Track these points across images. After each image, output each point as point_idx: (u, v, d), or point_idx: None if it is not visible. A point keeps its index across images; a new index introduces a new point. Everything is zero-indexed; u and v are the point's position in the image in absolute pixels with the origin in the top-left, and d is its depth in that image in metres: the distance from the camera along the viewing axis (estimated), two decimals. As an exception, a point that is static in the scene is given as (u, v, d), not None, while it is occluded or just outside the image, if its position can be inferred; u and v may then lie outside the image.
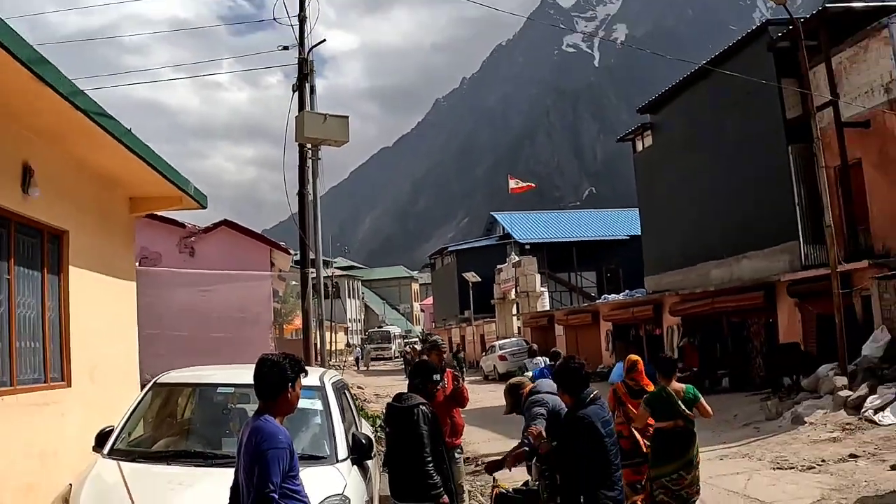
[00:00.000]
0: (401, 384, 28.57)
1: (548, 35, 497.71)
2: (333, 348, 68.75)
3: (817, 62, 28.03)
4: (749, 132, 32.72)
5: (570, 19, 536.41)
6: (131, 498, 6.87)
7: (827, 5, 30.06)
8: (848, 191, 28.28)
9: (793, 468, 16.20)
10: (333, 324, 62.03)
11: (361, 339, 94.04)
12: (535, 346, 28.77)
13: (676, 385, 9.23)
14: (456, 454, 11.34)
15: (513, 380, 9.55)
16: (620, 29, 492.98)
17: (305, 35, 20.08)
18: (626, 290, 51.14)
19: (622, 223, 64.76)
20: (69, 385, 10.00)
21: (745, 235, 33.07)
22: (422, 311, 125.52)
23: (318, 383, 8.85)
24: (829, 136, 27.52)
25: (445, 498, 8.32)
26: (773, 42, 31.20)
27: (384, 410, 11.49)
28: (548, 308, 58.27)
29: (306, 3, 20.19)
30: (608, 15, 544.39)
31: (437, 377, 9.87)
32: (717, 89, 33.91)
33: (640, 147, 44.08)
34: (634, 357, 11.69)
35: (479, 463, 16.16)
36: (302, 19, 20.04)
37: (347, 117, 18.90)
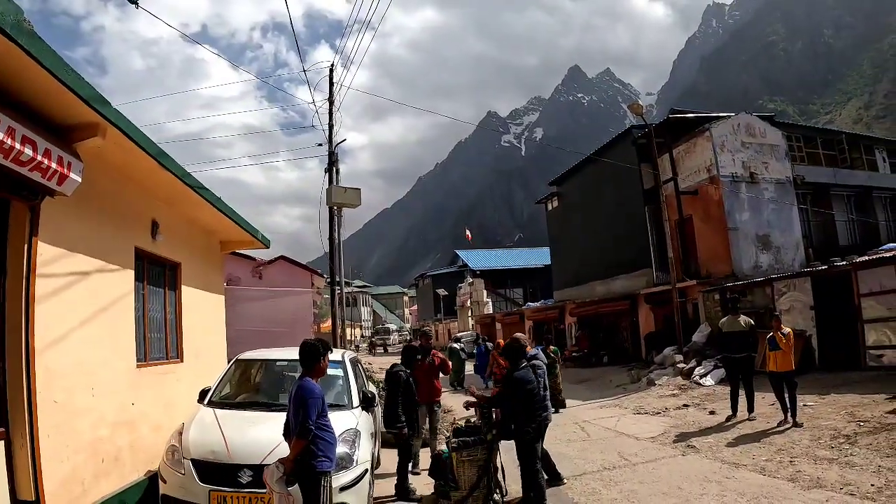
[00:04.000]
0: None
1: (491, 135, 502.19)
2: (353, 339, 69.99)
3: (664, 152, 28.29)
4: (620, 197, 32.96)
5: (505, 124, 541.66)
6: (222, 430, 7.33)
7: (670, 116, 30.48)
8: (683, 235, 28.48)
9: (647, 413, 16.35)
10: (353, 323, 63.29)
11: (371, 332, 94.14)
12: (484, 337, 30.12)
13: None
14: (435, 407, 11.65)
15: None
16: (538, 131, 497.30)
17: (334, 135, 20.43)
18: (542, 300, 51.48)
19: (539, 257, 65.26)
20: (182, 361, 10.32)
21: (618, 264, 33.28)
22: (410, 314, 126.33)
23: (340, 359, 9.36)
24: (671, 200, 27.54)
25: (405, 430, 9.49)
26: (635, 139, 31.64)
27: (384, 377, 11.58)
28: (491, 312, 58.69)
29: (334, 115, 20.49)
30: (531, 122, 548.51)
31: (418, 356, 10.72)
32: (600, 170, 34.02)
33: (550, 207, 44.20)
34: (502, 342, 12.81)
35: (447, 411, 16.21)
36: (331, 126, 20.41)
37: (360, 189, 19.16)
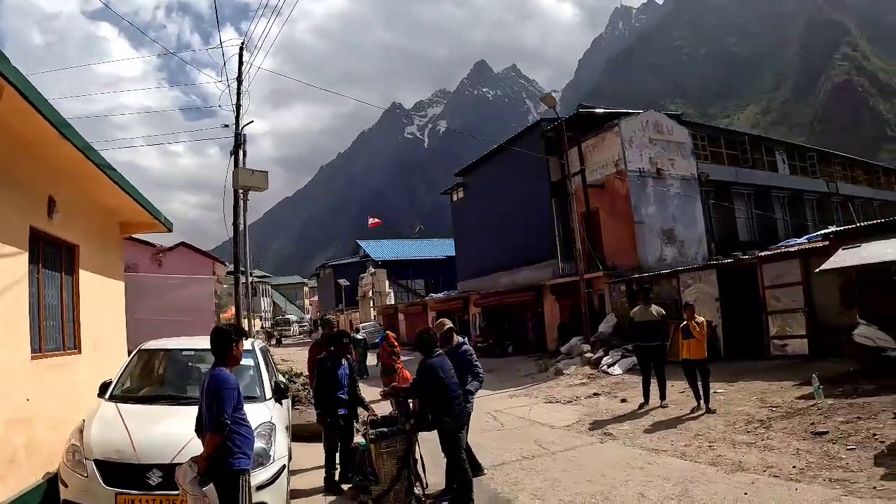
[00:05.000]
0: (299, 353, 28.18)
1: (395, 126, 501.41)
2: (254, 330, 68.50)
3: (573, 145, 28.43)
4: (527, 189, 33.22)
5: (409, 116, 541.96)
6: (126, 427, 6.85)
7: (579, 110, 31.04)
8: (590, 228, 28.91)
9: (558, 402, 16.53)
10: (253, 314, 62.37)
11: (271, 324, 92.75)
12: (387, 330, 29.68)
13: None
14: None
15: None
16: (442, 124, 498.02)
17: (241, 116, 19.85)
18: (445, 291, 51.52)
19: (442, 248, 65.33)
20: (80, 352, 9.67)
21: (524, 255, 33.52)
22: (311, 305, 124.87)
23: (250, 347, 8.84)
24: (579, 193, 28.02)
25: (329, 417, 9.27)
26: (544, 132, 31.92)
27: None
28: (393, 302, 58.40)
29: (242, 96, 19.98)
30: (435, 114, 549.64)
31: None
32: (507, 161, 34.28)
33: (455, 198, 44.27)
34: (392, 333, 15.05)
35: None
36: (238, 106, 19.84)
37: (267, 172, 18.82)
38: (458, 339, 9.20)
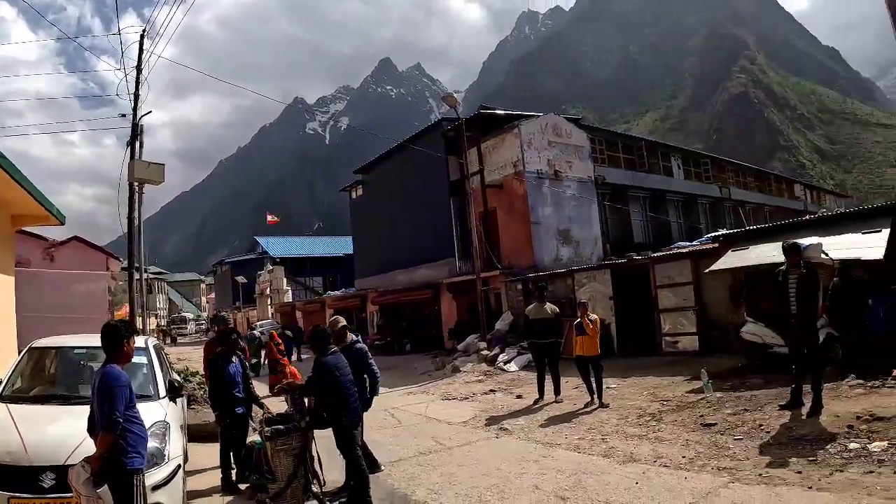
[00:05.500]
0: (195, 352, 27.67)
1: (296, 121, 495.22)
2: (148, 328, 66.69)
3: (472, 145, 28.91)
4: (426, 188, 33.32)
5: (311, 111, 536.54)
6: (17, 428, 6.54)
7: (480, 111, 31.34)
8: (488, 227, 29.15)
9: (455, 399, 16.59)
10: (148, 311, 60.85)
11: (166, 322, 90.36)
12: (287, 330, 29.42)
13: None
14: None
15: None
16: (344, 120, 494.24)
17: (139, 106, 19.31)
18: (343, 289, 51.36)
19: (340, 245, 65.12)
20: None
21: (421, 253, 33.61)
22: (207, 302, 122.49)
23: (143, 345, 8.63)
24: (477, 193, 28.45)
25: (226, 418, 9.21)
26: (445, 132, 32.01)
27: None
28: (291, 300, 57.83)
29: (142, 85, 19.43)
30: (337, 110, 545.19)
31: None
32: (407, 160, 34.28)
33: (354, 195, 44.07)
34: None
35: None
36: (137, 96, 19.25)
37: (164, 165, 18.30)
38: (351, 336, 9.20)
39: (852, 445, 8.07)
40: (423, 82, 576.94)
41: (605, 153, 34.69)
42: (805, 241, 11.37)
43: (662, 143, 45.50)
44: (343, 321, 9.32)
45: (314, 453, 7.97)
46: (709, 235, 22.29)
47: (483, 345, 23.52)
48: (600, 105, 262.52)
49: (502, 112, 31.70)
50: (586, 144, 31.63)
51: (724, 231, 20.77)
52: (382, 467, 9.47)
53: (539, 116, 30.69)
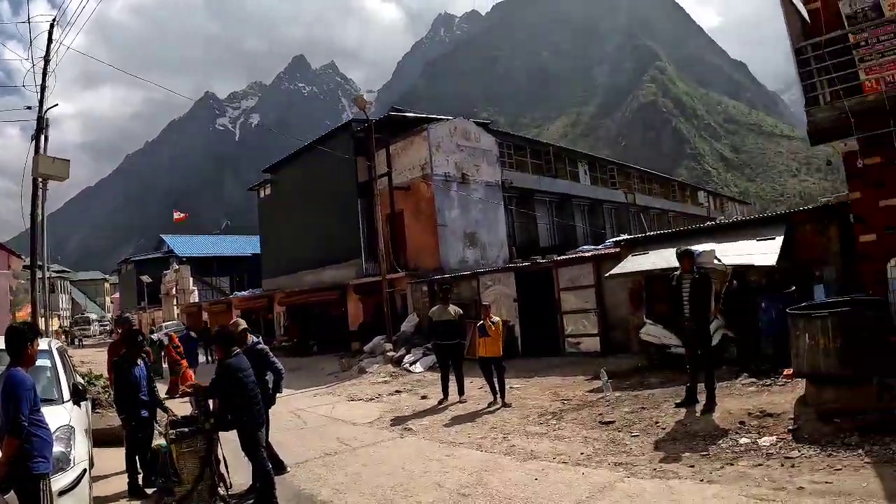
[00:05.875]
0: (99, 354, 27.02)
1: (206, 117, 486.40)
2: (51, 329, 64.66)
3: (382, 147, 29.06)
4: (335, 189, 33.24)
5: (222, 107, 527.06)
6: None
7: (390, 113, 31.48)
8: (394, 229, 29.52)
9: (361, 400, 16.60)
10: (50, 311, 59.00)
11: (70, 322, 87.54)
12: (189, 330, 29.00)
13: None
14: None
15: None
16: (255, 117, 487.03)
17: (45, 99, 18.76)
18: (250, 289, 50.80)
19: (248, 245, 64.26)
20: None
21: (329, 254, 33.55)
22: (112, 302, 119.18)
23: (47, 348, 8.43)
24: (385, 194, 28.63)
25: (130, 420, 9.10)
26: (354, 132, 31.88)
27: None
28: (197, 300, 56.90)
29: (48, 77, 18.92)
30: (249, 107, 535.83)
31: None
32: (317, 160, 33.95)
33: (262, 195, 43.63)
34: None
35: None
36: (43, 88, 18.69)
37: (69, 161, 17.77)
38: (252, 338, 9.26)
39: (743, 440, 8.46)
40: (337, 81, 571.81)
41: (514, 157, 35.35)
42: (699, 248, 11.80)
43: (570, 149, 46.67)
44: (244, 324, 9.38)
45: (220, 456, 7.97)
46: (610, 240, 22.97)
47: (389, 346, 23.60)
48: (512, 110, 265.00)
49: (412, 115, 31.98)
50: (494, 148, 32.11)
51: (625, 236, 21.41)
52: (288, 468, 9.49)
53: (448, 120, 31.07)
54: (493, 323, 13.55)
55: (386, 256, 25.96)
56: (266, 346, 9.35)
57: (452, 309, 14.75)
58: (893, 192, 12.23)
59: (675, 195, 57.01)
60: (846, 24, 12.19)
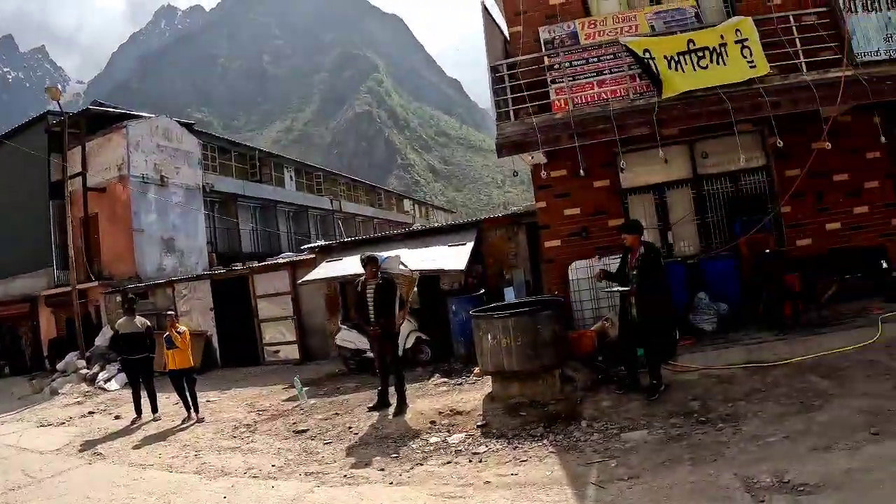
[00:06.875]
0: None
1: None
2: None
3: (77, 144, 27.17)
4: (25, 189, 30.22)
5: None
6: None
7: (91, 107, 29.92)
8: (88, 234, 27.54)
9: (52, 425, 15.31)
10: None
11: None
12: None
13: None
14: None
15: None
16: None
17: None
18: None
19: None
20: None
21: (18, 263, 30.50)
22: None
23: None
24: (78, 196, 26.82)
25: None
26: (50, 127, 29.30)
27: None
28: None
29: None
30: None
31: None
32: (5, 156, 30.86)
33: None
34: None
35: None
36: None
37: None
38: None
39: (433, 439, 8.74)
40: (46, 68, 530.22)
41: (218, 160, 34.55)
42: (384, 254, 12.11)
43: (276, 154, 46.69)
44: None
45: None
46: (306, 246, 23.01)
47: (82, 363, 22.07)
48: (228, 111, 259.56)
49: (114, 110, 30.12)
50: (196, 150, 31.00)
51: (320, 242, 21.62)
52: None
53: (150, 118, 29.62)
54: (179, 333, 13.09)
55: (79, 264, 24.50)
56: None
57: (139, 320, 14.14)
58: (576, 202, 13.71)
59: (382, 203, 58.85)
60: (543, 48, 13.30)
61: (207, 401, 14.17)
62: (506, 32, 14.58)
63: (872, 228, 12.82)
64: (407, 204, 66.23)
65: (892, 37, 11.84)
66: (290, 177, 41.48)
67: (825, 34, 12.00)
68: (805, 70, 11.79)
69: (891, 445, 6.05)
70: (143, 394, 13.98)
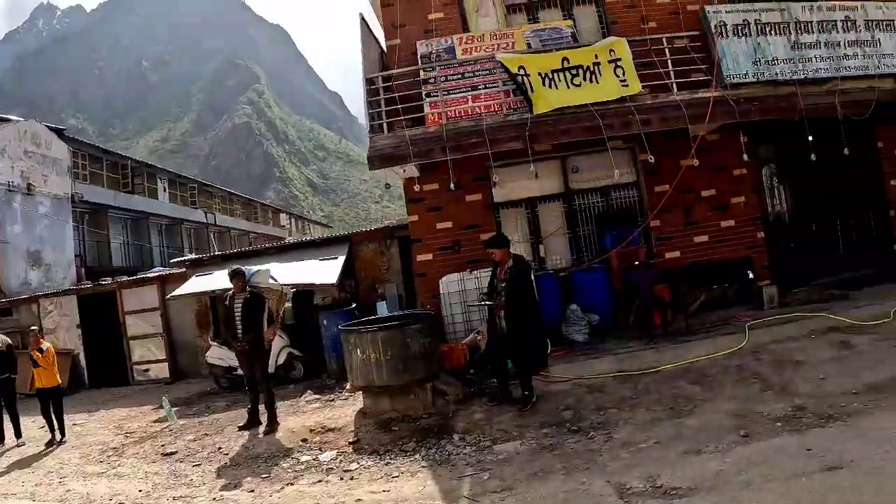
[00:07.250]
0: None
1: None
2: None
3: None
4: None
5: None
6: None
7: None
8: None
9: None
10: None
11: None
12: None
13: None
14: None
15: None
16: None
17: None
18: None
19: None
20: None
21: None
22: None
23: None
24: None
25: None
26: None
27: None
28: None
29: None
30: None
31: None
32: None
33: None
34: None
35: None
36: None
37: None
38: None
39: (304, 458, 8.67)
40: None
41: (89, 169, 33.25)
42: (252, 268, 11.84)
43: (149, 164, 45.30)
44: None
45: None
46: (176, 260, 22.52)
47: None
48: (104, 117, 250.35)
49: None
50: (66, 158, 29.69)
51: (190, 256, 21.24)
52: None
53: (19, 121, 28.33)
54: (41, 351, 12.39)
55: None
56: None
57: (0, 338, 13.36)
58: (449, 215, 13.90)
59: (258, 216, 58.20)
60: (420, 62, 13.45)
61: (74, 423, 13.49)
62: (383, 45, 14.76)
63: (739, 241, 13.75)
64: (283, 218, 65.64)
65: (760, 60, 12.79)
66: (164, 188, 40.34)
67: (697, 56, 12.83)
68: (676, 90, 12.54)
69: (759, 446, 6.51)
70: (6, 417, 13.10)
